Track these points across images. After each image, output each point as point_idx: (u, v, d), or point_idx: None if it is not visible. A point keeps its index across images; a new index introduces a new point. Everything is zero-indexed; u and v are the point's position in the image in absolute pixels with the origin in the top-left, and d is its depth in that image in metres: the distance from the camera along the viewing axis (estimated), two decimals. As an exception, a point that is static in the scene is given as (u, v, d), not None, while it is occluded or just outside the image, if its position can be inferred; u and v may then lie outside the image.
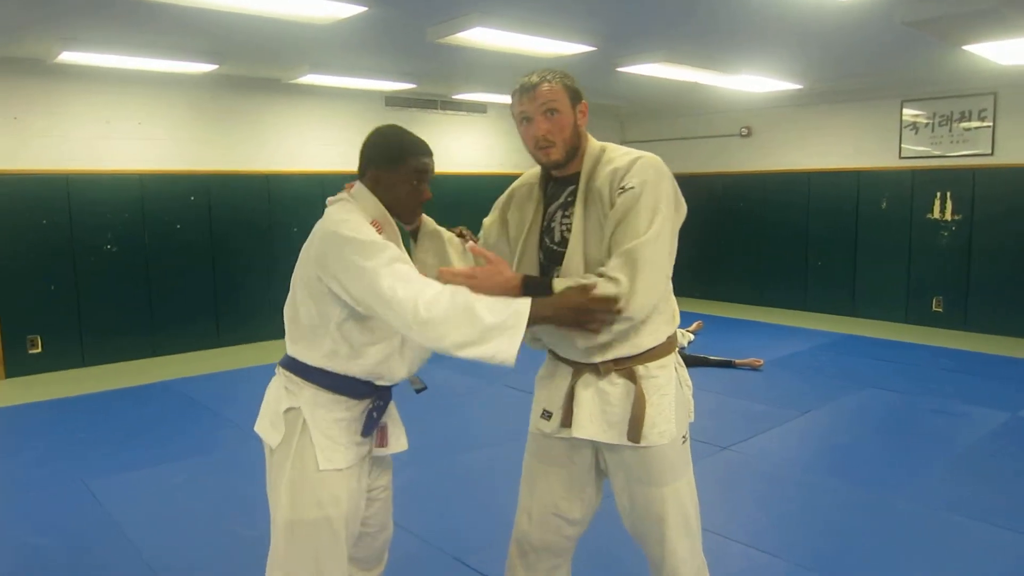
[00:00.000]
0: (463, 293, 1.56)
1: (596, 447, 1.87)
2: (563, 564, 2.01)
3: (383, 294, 1.57)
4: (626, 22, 4.66)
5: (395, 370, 1.80)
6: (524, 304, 1.55)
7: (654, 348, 1.79)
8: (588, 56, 5.34)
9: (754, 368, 5.83)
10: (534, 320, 1.56)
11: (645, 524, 1.85)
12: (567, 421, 1.83)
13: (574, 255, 1.77)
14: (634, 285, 1.63)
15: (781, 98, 7.98)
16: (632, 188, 1.69)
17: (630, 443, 1.75)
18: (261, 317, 6.81)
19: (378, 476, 1.92)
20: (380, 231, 1.73)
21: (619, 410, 1.77)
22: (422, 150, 1.80)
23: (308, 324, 1.74)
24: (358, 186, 1.81)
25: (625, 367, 1.77)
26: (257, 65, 6.20)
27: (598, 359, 1.78)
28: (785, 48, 5.60)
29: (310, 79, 6.43)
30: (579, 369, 1.82)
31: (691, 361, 5.55)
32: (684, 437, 1.85)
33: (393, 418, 1.91)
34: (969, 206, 7.18)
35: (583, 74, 1.92)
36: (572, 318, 1.63)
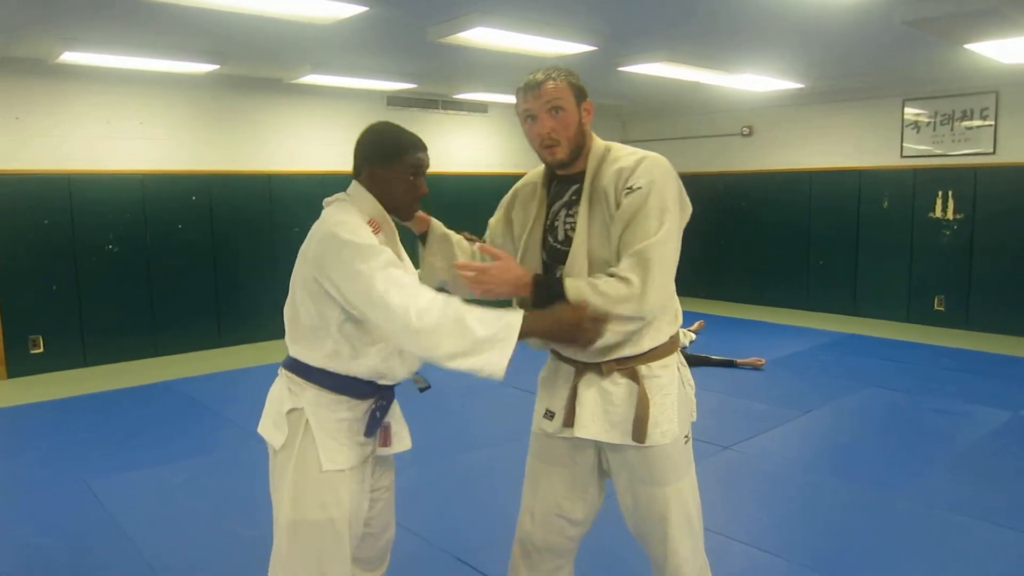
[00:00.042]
0: (455, 304, 1.56)
1: (599, 447, 1.87)
2: (566, 564, 2.01)
3: (376, 299, 1.57)
4: (627, 22, 4.66)
5: (396, 369, 1.80)
6: (516, 317, 1.57)
7: (657, 348, 1.79)
8: (589, 56, 5.34)
9: (756, 368, 5.83)
10: (525, 334, 1.58)
11: (648, 524, 1.84)
12: (569, 421, 1.83)
13: (578, 254, 1.77)
14: (646, 286, 1.64)
15: (782, 97, 7.97)
16: (639, 188, 1.69)
17: (633, 443, 1.75)
18: (262, 317, 6.82)
19: (381, 476, 1.91)
20: (378, 230, 1.73)
21: (622, 410, 1.77)
22: (417, 145, 1.80)
23: (308, 325, 1.73)
24: (354, 185, 1.81)
25: (628, 367, 1.77)
26: (258, 65, 6.20)
27: (600, 359, 1.78)
28: (786, 47, 5.60)
29: (311, 79, 6.43)
30: (581, 369, 1.82)
31: (693, 361, 5.54)
32: (687, 437, 1.85)
33: (397, 417, 1.91)
34: (971, 205, 7.17)
35: (584, 74, 1.92)
36: (563, 334, 1.65)
